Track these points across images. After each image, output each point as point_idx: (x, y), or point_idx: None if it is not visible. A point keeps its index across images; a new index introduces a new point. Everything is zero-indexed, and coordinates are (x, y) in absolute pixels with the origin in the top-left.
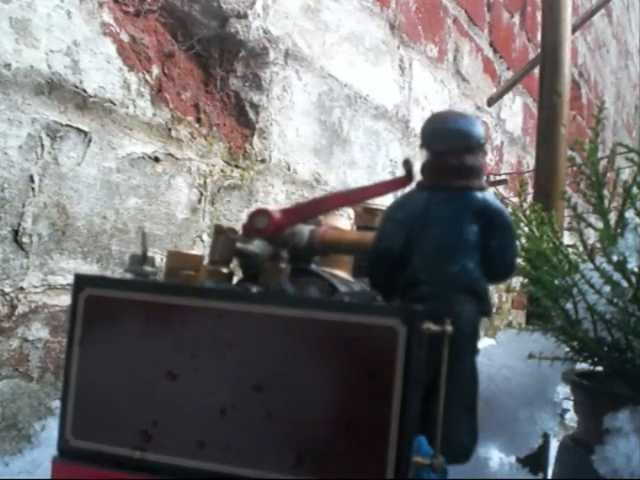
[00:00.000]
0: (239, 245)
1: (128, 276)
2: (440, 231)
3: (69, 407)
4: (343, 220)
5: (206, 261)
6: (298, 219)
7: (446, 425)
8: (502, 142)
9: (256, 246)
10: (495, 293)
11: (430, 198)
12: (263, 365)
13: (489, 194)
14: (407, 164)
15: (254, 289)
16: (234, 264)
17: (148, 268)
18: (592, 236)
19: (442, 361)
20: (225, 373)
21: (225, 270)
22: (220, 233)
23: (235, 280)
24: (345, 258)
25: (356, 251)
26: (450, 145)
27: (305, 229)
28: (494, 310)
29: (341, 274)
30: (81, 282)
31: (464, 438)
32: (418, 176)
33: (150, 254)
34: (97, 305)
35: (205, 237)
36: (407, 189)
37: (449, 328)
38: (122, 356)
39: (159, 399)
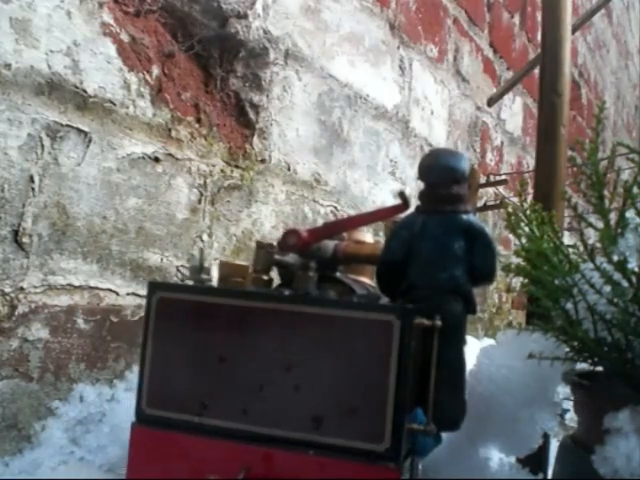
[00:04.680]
0: (277, 257)
1: (189, 283)
2: (433, 246)
3: (144, 384)
4: (366, 234)
5: (251, 270)
6: (321, 237)
7: (439, 401)
8: (502, 142)
9: (291, 258)
10: (495, 293)
11: (426, 220)
12: (292, 351)
13: (472, 216)
14: (402, 195)
15: (286, 292)
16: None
17: (204, 276)
18: (592, 236)
19: (433, 349)
20: (263, 357)
21: (266, 277)
22: (261, 248)
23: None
24: (368, 266)
25: (371, 261)
26: (440, 178)
27: (330, 244)
28: (494, 310)
29: (364, 280)
30: (153, 287)
31: (454, 411)
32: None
33: (206, 265)
34: (166, 305)
35: (205, 237)
36: (406, 213)
37: (439, 323)
38: (185, 344)
39: (213, 377)
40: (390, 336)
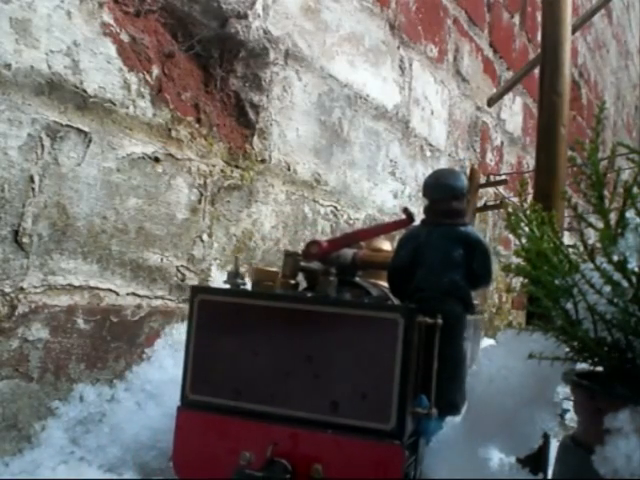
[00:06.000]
0: (302, 264)
1: (226, 286)
2: (436, 254)
3: (188, 373)
4: (384, 242)
5: (280, 275)
6: (339, 247)
7: (441, 388)
8: (502, 142)
9: (315, 264)
10: (495, 293)
11: (429, 231)
12: (312, 344)
13: (470, 227)
14: (406, 211)
15: (308, 294)
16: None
17: (239, 280)
18: (592, 236)
19: (435, 344)
20: (288, 349)
21: (293, 282)
22: (289, 256)
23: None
24: (384, 271)
25: (384, 267)
26: (441, 195)
27: (349, 252)
28: (494, 310)
29: (381, 283)
30: (195, 290)
31: (455, 398)
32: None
33: (241, 270)
34: (206, 306)
35: (205, 237)
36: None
37: (440, 321)
38: (222, 339)
39: (246, 367)
40: (395, 332)
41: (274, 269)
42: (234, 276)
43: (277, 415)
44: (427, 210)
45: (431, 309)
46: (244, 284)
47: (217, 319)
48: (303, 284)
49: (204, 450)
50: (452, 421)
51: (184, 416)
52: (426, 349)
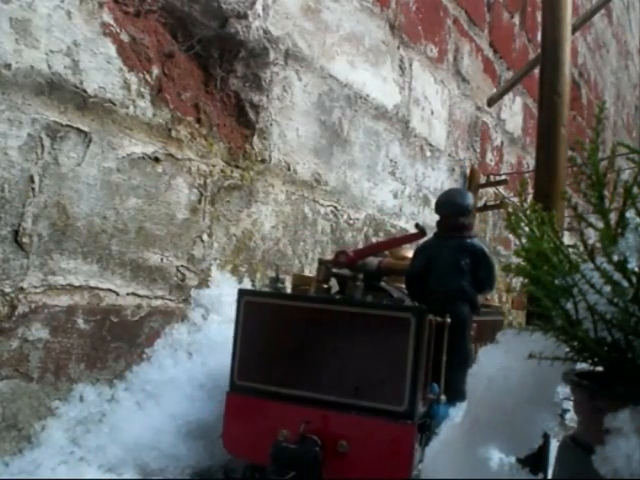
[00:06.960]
0: (334, 270)
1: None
2: (446, 263)
3: (236, 363)
4: (409, 251)
5: (315, 280)
6: (364, 256)
7: (450, 378)
8: (502, 142)
9: (345, 271)
10: (495, 293)
11: (441, 242)
12: (339, 339)
13: (476, 240)
14: (418, 226)
15: (337, 297)
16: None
17: (280, 285)
18: (592, 236)
19: (444, 340)
20: (319, 343)
21: (325, 286)
22: (322, 264)
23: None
24: None
25: (404, 274)
26: (451, 211)
27: (375, 260)
28: None
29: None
30: (242, 293)
31: (462, 386)
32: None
33: (281, 276)
34: (251, 306)
35: (205, 237)
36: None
37: (448, 320)
38: (264, 334)
39: (284, 358)
40: (408, 329)
41: (311, 275)
42: (275, 281)
43: (309, 399)
44: (438, 224)
45: (442, 310)
46: (284, 288)
47: (260, 317)
48: (336, 288)
49: (248, 428)
50: (452, 421)
51: (232, 399)
52: (437, 344)
